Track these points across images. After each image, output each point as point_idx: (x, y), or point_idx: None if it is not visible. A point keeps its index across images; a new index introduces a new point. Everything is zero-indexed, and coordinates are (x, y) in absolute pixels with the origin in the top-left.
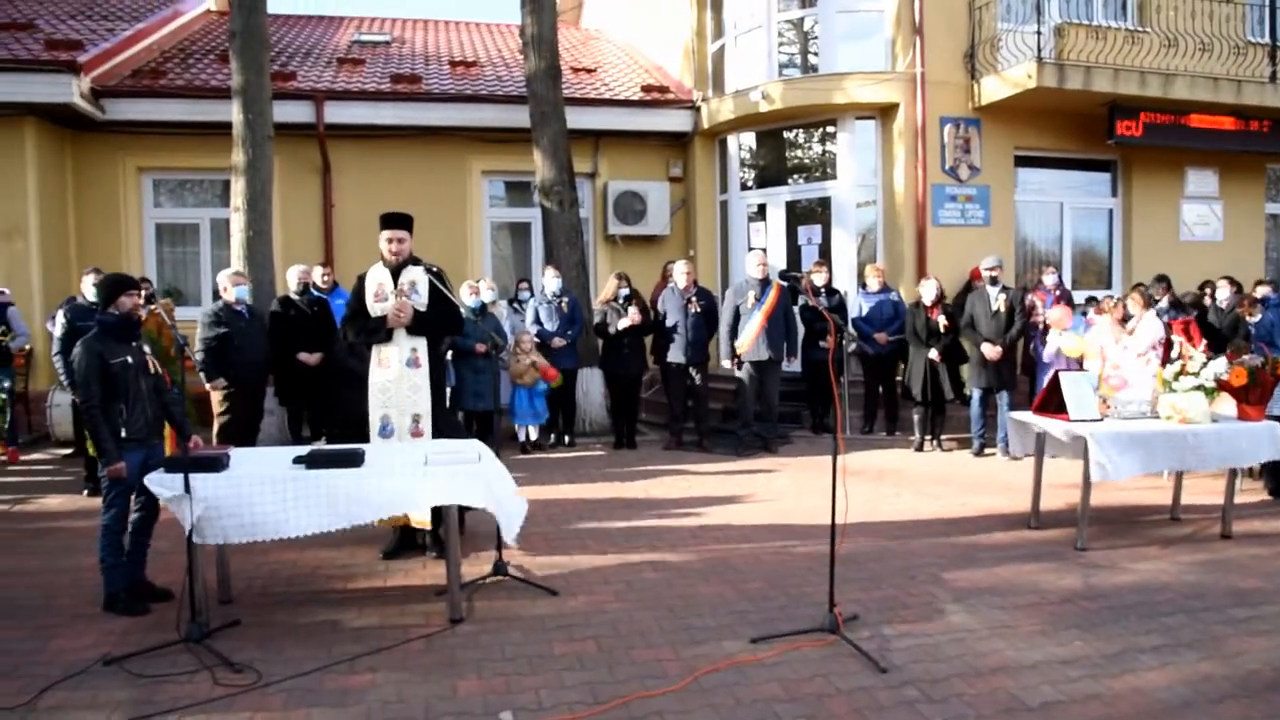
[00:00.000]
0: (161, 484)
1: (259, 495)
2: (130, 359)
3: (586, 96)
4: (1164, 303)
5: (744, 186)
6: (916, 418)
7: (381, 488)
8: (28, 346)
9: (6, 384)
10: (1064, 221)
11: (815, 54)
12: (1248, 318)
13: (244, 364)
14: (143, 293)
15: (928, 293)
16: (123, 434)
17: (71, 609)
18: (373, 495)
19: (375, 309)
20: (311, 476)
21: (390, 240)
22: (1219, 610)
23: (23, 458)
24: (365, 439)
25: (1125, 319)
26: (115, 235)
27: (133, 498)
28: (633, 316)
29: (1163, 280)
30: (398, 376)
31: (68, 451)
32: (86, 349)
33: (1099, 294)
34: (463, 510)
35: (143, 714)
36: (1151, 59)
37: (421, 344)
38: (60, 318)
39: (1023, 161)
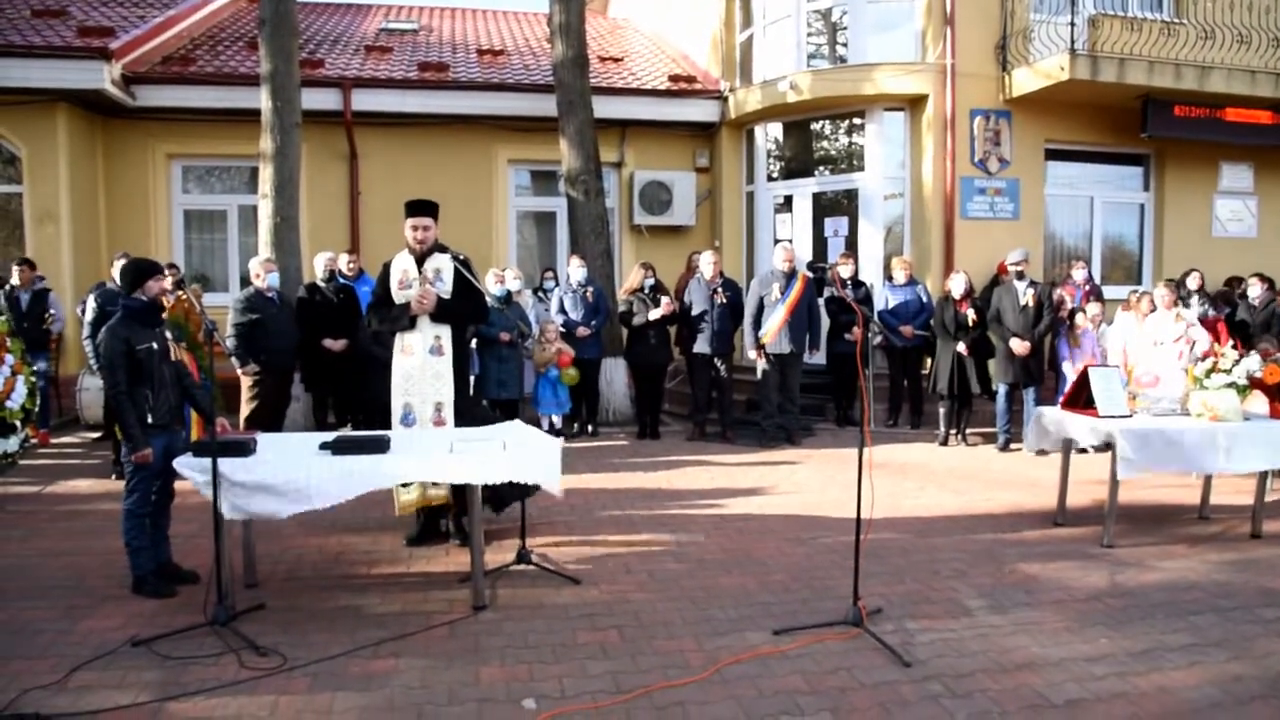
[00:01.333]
0: (191, 468)
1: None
2: (155, 345)
3: (613, 86)
4: (1194, 294)
5: (770, 177)
6: (942, 412)
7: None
8: (60, 331)
9: (41, 365)
10: (1094, 216)
11: (844, 44)
12: None
13: (274, 350)
14: (169, 278)
15: (957, 286)
16: (149, 420)
17: (101, 590)
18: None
19: (399, 296)
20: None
21: (415, 228)
22: (1248, 610)
23: (52, 440)
24: (390, 426)
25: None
26: (144, 221)
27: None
28: (666, 305)
29: (1193, 273)
30: (421, 364)
31: (97, 435)
32: (113, 335)
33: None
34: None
35: (170, 695)
36: (1187, 51)
37: (445, 332)
38: (91, 302)
39: (1053, 154)
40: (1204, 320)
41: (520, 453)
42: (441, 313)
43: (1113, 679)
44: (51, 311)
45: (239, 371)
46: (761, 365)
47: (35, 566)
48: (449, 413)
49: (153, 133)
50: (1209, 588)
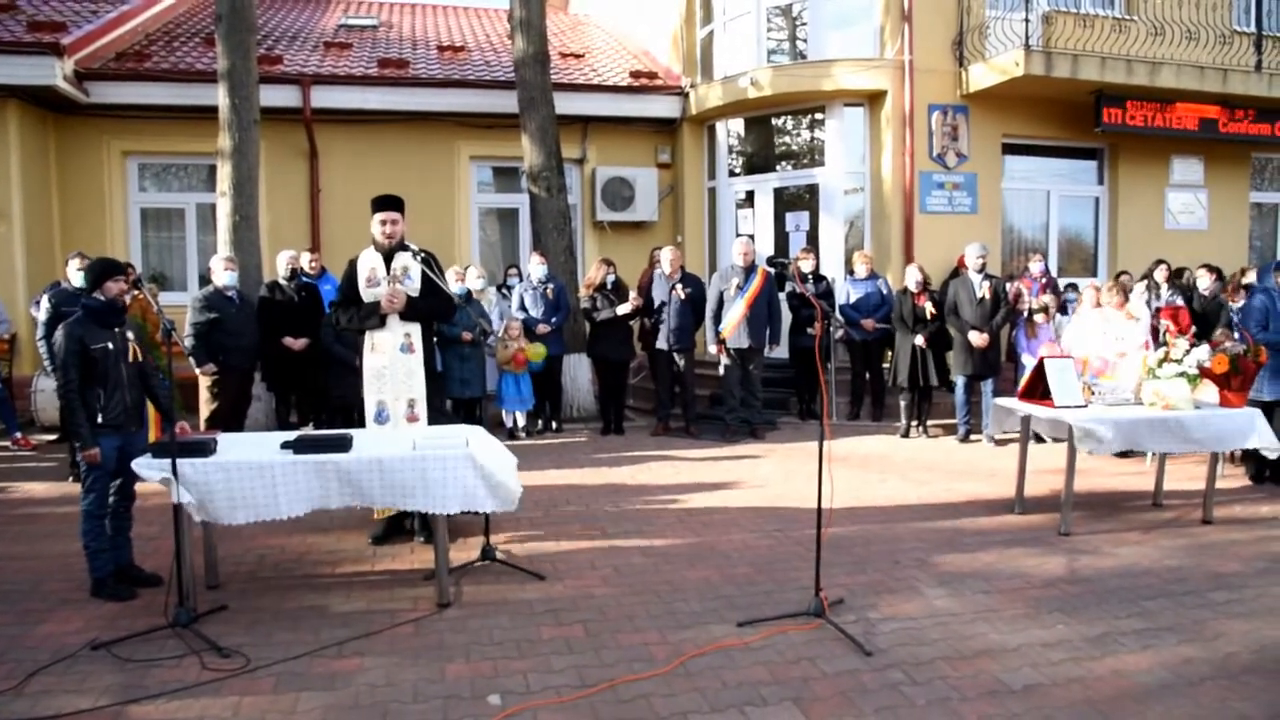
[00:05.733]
0: (150, 469)
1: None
2: (111, 345)
3: (575, 82)
4: (1162, 283)
5: (732, 173)
6: (903, 404)
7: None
8: (10, 333)
9: None
10: (1050, 209)
11: (804, 40)
12: (1231, 303)
13: (233, 349)
14: (129, 278)
15: (912, 280)
16: (99, 420)
17: (59, 594)
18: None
19: (368, 295)
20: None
21: (384, 222)
22: (1199, 594)
23: (4, 443)
24: (352, 425)
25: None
26: (100, 220)
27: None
28: (634, 300)
29: (1161, 265)
30: (392, 362)
31: (52, 437)
32: (67, 334)
33: (1081, 281)
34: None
35: (131, 698)
36: (1138, 47)
37: (415, 329)
38: (45, 303)
39: (1010, 149)
40: (1166, 309)
41: (483, 452)
42: (411, 311)
43: (1068, 664)
44: None
45: (197, 371)
46: (723, 361)
47: None
48: (422, 409)
49: (107, 130)
50: (1161, 573)
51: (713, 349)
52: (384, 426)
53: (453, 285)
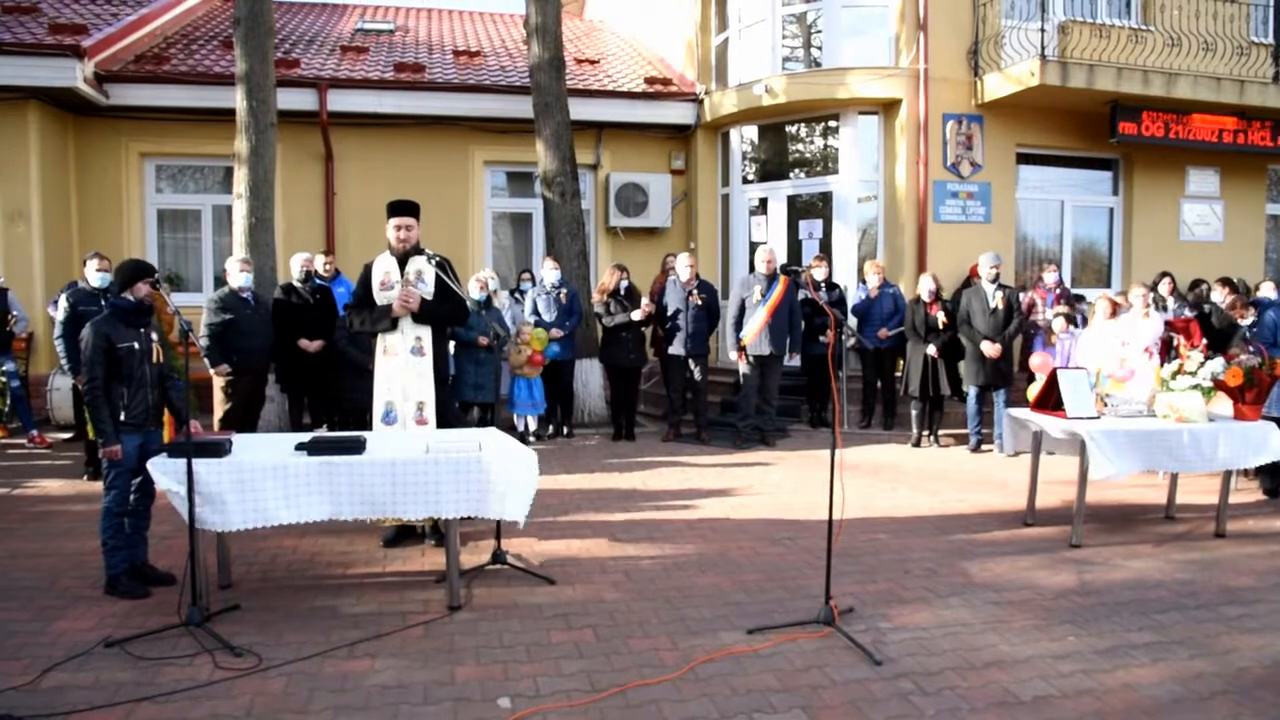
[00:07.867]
0: (163, 469)
1: (262, 483)
2: (137, 345)
3: (589, 88)
4: (1167, 296)
5: (745, 180)
6: (914, 413)
7: (389, 488)
8: (28, 331)
9: (8, 366)
10: (1065, 219)
11: (819, 48)
12: (1240, 320)
13: (248, 350)
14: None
15: (925, 289)
16: (122, 418)
17: (73, 591)
18: (379, 495)
19: (381, 297)
20: (317, 467)
21: (399, 228)
22: (1211, 608)
23: (20, 440)
24: (366, 427)
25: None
26: (117, 220)
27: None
28: (645, 307)
29: (1165, 277)
30: (402, 364)
31: (67, 435)
32: (94, 331)
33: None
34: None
35: (144, 695)
36: (1155, 58)
37: (426, 332)
38: (62, 302)
39: (1024, 159)
40: (1176, 321)
41: (498, 454)
42: (423, 314)
43: (1079, 676)
44: (14, 313)
45: (211, 372)
46: (743, 368)
47: (5, 567)
48: (430, 412)
49: (126, 131)
50: (1173, 586)
51: (733, 355)
52: (392, 428)
53: (475, 292)
